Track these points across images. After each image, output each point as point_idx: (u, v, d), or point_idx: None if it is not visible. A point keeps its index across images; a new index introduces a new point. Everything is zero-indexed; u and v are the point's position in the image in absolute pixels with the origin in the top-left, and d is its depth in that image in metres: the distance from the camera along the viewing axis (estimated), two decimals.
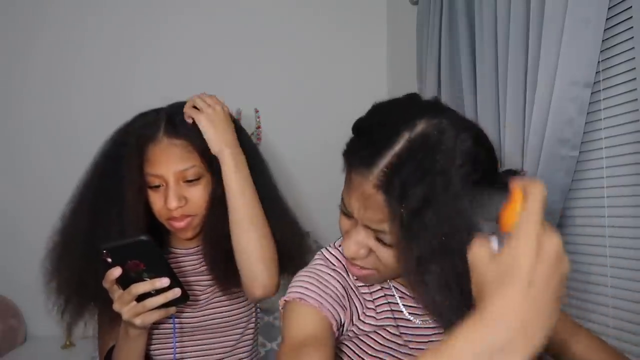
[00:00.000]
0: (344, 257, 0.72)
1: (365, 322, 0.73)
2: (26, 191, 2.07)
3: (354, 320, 0.72)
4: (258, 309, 1.14)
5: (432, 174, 0.57)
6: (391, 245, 0.64)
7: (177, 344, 0.96)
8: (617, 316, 1.13)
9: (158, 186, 0.93)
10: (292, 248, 1.00)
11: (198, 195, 0.94)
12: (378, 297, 0.75)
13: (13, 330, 1.92)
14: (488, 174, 0.63)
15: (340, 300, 0.71)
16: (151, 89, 1.67)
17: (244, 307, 1.06)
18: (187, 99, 0.99)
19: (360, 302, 0.74)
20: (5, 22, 2.08)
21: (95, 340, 1.01)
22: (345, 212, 0.68)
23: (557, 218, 1.23)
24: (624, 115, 1.10)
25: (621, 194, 1.12)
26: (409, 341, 0.75)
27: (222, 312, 1.02)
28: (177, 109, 0.96)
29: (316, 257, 0.78)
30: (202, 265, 1.03)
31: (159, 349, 0.98)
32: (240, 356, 1.06)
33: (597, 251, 1.19)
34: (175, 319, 0.94)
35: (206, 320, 1.01)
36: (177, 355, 0.96)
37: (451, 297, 0.58)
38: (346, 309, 0.71)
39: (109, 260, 0.78)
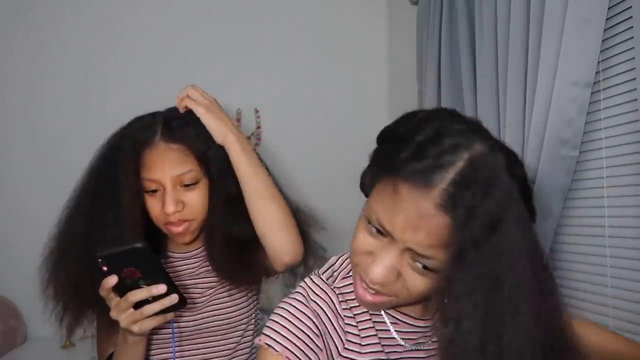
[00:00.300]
0: (357, 276, 0.66)
1: (347, 357, 0.69)
2: (26, 191, 2.07)
3: (334, 356, 0.69)
4: (257, 310, 1.14)
5: (501, 197, 0.53)
6: (436, 271, 0.57)
7: (176, 348, 0.96)
8: (617, 316, 1.13)
9: (155, 191, 0.92)
10: None
11: (195, 199, 0.93)
12: (365, 328, 0.70)
13: (13, 331, 1.92)
14: (529, 204, 0.60)
15: (313, 342, 0.68)
16: (148, 90, 1.67)
17: (243, 308, 1.05)
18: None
19: (340, 337, 0.70)
20: None
21: (94, 340, 1.00)
22: (379, 230, 0.59)
23: (557, 218, 1.23)
24: (624, 115, 1.10)
25: (621, 194, 1.11)
26: None
27: (221, 315, 1.02)
28: (174, 113, 0.95)
29: (298, 287, 0.75)
30: (200, 268, 1.03)
31: (158, 354, 0.98)
32: (241, 358, 1.05)
33: (597, 251, 1.19)
34: (174, 324, 0.94)
35: (205, 323, 1.00)
36: (177, 359, 0.96)
37: (485, 345, 0.52)
38: (321, 349, 0.68)
39: (105, 268, 0.78)
